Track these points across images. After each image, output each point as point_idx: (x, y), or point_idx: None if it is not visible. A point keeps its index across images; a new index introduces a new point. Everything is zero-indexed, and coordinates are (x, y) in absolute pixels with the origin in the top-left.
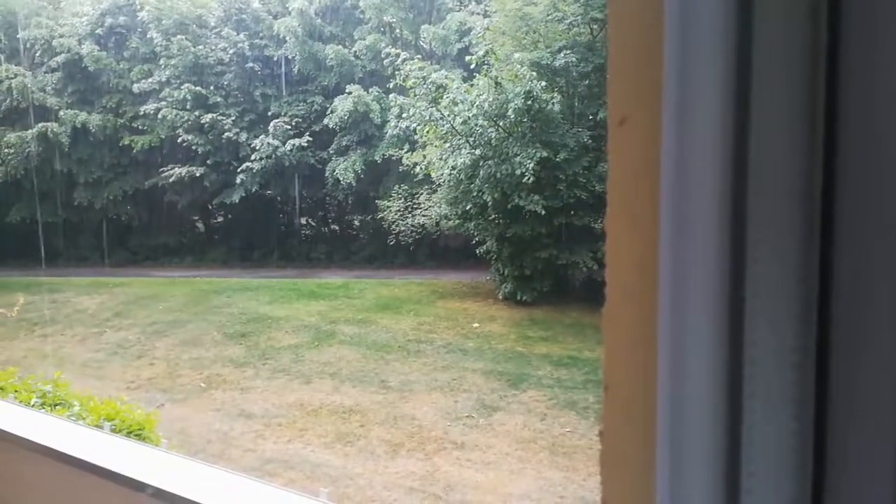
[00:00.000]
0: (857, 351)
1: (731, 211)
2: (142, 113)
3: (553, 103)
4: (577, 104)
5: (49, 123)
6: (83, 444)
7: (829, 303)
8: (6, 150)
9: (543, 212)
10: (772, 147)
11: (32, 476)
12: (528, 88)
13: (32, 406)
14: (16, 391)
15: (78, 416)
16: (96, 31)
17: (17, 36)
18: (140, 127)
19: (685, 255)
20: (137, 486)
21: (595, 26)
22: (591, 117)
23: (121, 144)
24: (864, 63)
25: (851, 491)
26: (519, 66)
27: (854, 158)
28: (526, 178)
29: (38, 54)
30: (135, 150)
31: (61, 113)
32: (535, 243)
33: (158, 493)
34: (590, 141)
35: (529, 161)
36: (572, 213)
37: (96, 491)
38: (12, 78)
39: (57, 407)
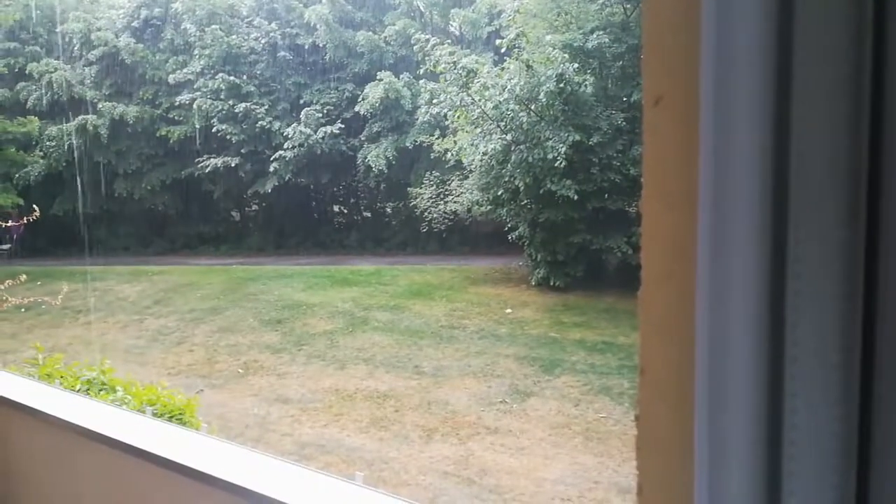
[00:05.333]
0: None
1: (772, 191)
2: (177, 104)
3: (586, 85)
4: (610, 86)
5: (88, 116)
6: (126, 428)
7: (875, 286)
8: (48, 143)
9: (576, 196)
10: (815, 124)
11: (78, 458)
12: (560, 71)
13: (77, 391)
14: (62, 377)
15: (121, 401)
16: (132, 24)
17: (57, 30)
18: (176, 118)
19: (724, 236)
20: (179, 469)
21: (628, 6)
22: (624, 99)
23: (157, 135)
24: None
25: None
26: (550, 49)
27: None
28: (558, 162)
29: (76, 48)
30: (171, 141)
31: (100, 105)
32: (568, 228)
33: (197, 475)
34: (624, 123)
35: (562, 145)
36: (606, 197)
37: (139, 472)
38: (52, 72)
39: (101, 392)
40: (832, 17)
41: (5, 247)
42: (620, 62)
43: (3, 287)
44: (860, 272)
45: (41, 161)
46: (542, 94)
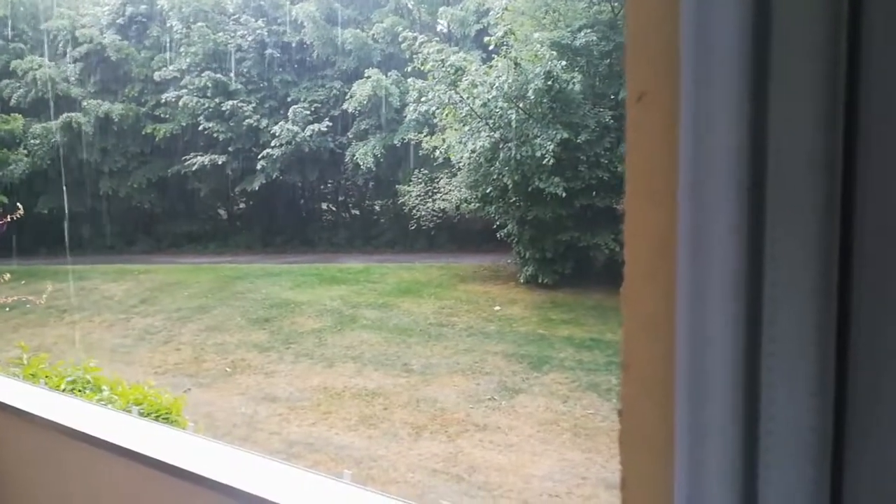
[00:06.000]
0: (879, 337)
1: (750, 187)
2: (163, 101)
3: (573, 83)
4: (597, 84)
5: (73, 114)
6: (112, 428)
7: (849, 280)
8: (32, 141)
9: (564, 194)
10: (792, 121)
11: (64, 458)
12: (548, 69)
13: (63, 391)
14: (46, 377)
15: (107, 401)
16: (117, 21)
17: (41, 27)
18: (162, 115)
19: (704, 232)
20: (166, 469)
21: (616, 3)
22: (612, 97)
23: (143, 133)
24: (887, 30)
25: (871, 479)
26: (539, 46)
27: (876, 131)
28: (546, 159)
29: (61, 45)
30: (157, 139)
31: (85, 103)
32: (556, 226)
33: (185, 474)
34: (611, 121)
35: (550, 143)
36: (594, 194)
37: (126, 472)
38: (37, 69)
39: (87, 391)
40: (808, 15)
41: None
42: (608, 60)
43: None
44: (835, 267)
45: (25, 159)
46: (530, 91)
